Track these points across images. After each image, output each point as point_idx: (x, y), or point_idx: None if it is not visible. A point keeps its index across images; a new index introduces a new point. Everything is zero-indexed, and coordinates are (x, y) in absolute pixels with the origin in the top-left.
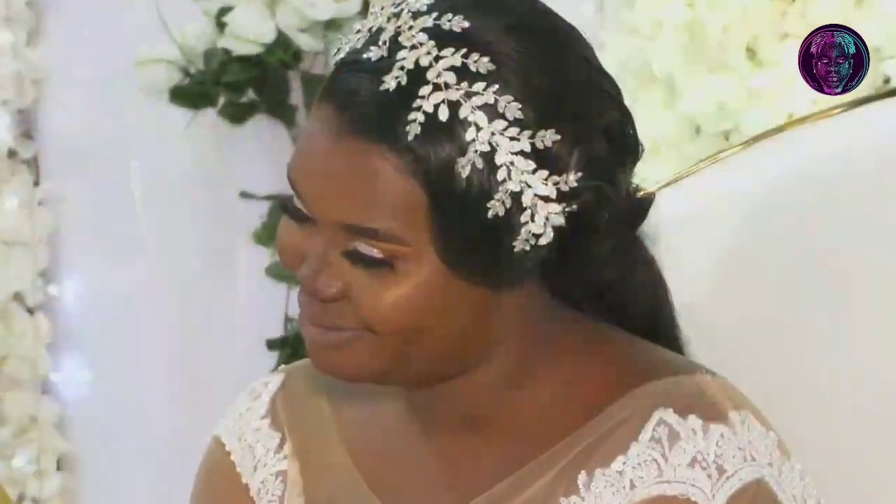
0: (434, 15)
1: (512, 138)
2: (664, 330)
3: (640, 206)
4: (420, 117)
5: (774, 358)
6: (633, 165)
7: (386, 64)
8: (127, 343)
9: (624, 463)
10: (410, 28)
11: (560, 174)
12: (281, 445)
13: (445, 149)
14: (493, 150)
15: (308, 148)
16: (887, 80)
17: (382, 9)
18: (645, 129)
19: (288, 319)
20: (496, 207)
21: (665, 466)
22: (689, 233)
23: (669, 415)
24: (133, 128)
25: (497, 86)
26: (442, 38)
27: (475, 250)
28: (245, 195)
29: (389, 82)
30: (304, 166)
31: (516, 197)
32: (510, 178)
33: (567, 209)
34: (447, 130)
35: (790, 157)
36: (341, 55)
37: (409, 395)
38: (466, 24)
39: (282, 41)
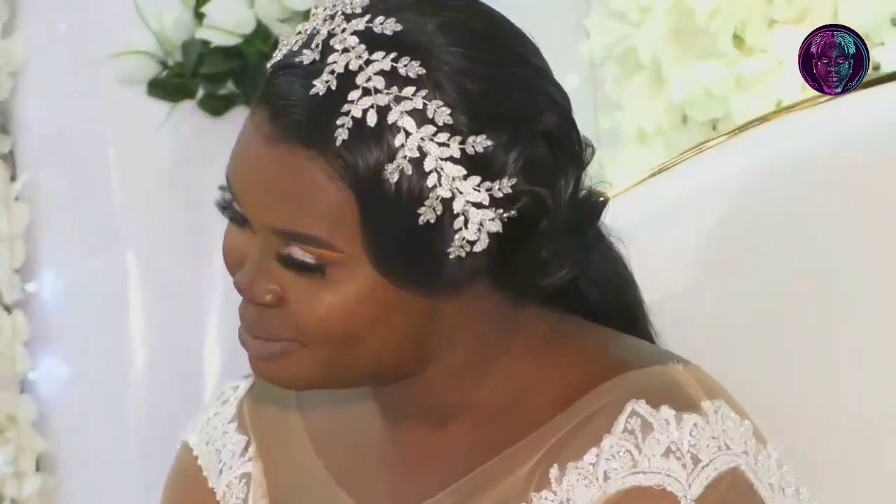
0: (367, 18)
1: (441, 144)
2: (633, 322)
3: (591, 209)
4: (348, 122)
5: (758, 348)
6: (578, 171)
7: (317, 68)
8: (106, 339)
9: (597, 455)
10: (343, 31)
11: (493, 180)
12: (246, 448)
13: (374, 154)
14: (423, 156)
15: (242, 152)
16: (877, 68)
17: (324, 9)
18: (632, 118)
19: None
20: (427, 214)
21: (639, 457)
22: (674, 223)
23: (642, 406)
24: (111, 120)
25: (426, 90)
26: (372, 41)
27: (408, 257)
28: (225, 189)
29: (319, 87)
30: (238, 171)
31: (447, 203)
32: (440, 185)
33: (505, 215)
34: (375, 136)
35: (776, 147)
36: (279, 57)
37: (372, 391)
38: (399, 28)
39: (261, 32)
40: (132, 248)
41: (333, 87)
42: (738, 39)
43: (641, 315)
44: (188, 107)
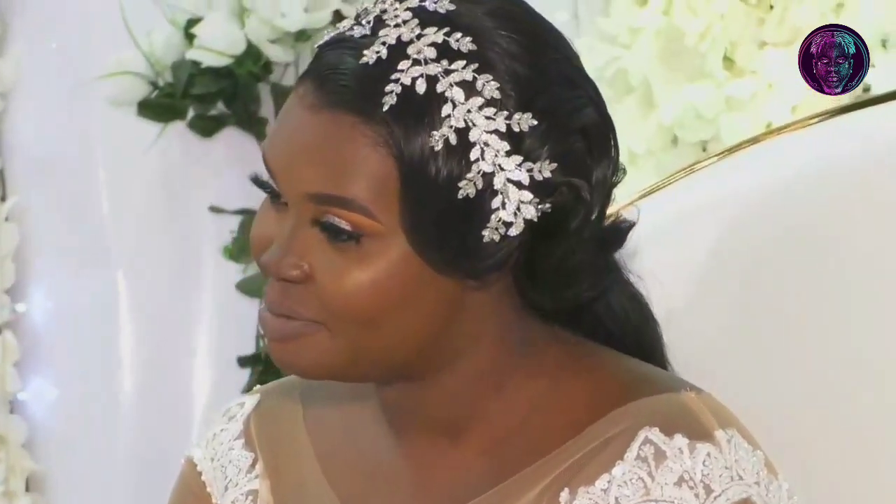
0: None
1: (488, 117)
2: (650, 356)
3: (617, 229)
4: (397, 89)
5: (749, 370)
6: (612, 172)
7: (368, 41)
8: (96, 359)
9: (609, 481)
10: (395, 8)
11: (534, 162)
12: (253, 465)
13: (420, 123)
14: (468, 128)
15: (283, 125)
16: (867, 89)
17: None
18: (622, 139)
19: (260, 336)
20: (467, 188)
21: (652, 485)
22: (665, 244)
23: (655, 434)
24: (100, 140)
25: (476, 64)
26: (426, 17)
27: (443, 233)
28: (215, 209)
29: (370, 56)
30: (277, 143)
31: (488, 179)
32: (483, 158)
33: (540, 205)
34: (423, 104)
35: (767, 168)
36: (326, 38)
37: (382, 400)
38: (452, 7)
39: (252, 52)
40: (122, 268)
41: (384, 56)
42: (728, 61)
43: (659, 349)
44: (178, 127)
